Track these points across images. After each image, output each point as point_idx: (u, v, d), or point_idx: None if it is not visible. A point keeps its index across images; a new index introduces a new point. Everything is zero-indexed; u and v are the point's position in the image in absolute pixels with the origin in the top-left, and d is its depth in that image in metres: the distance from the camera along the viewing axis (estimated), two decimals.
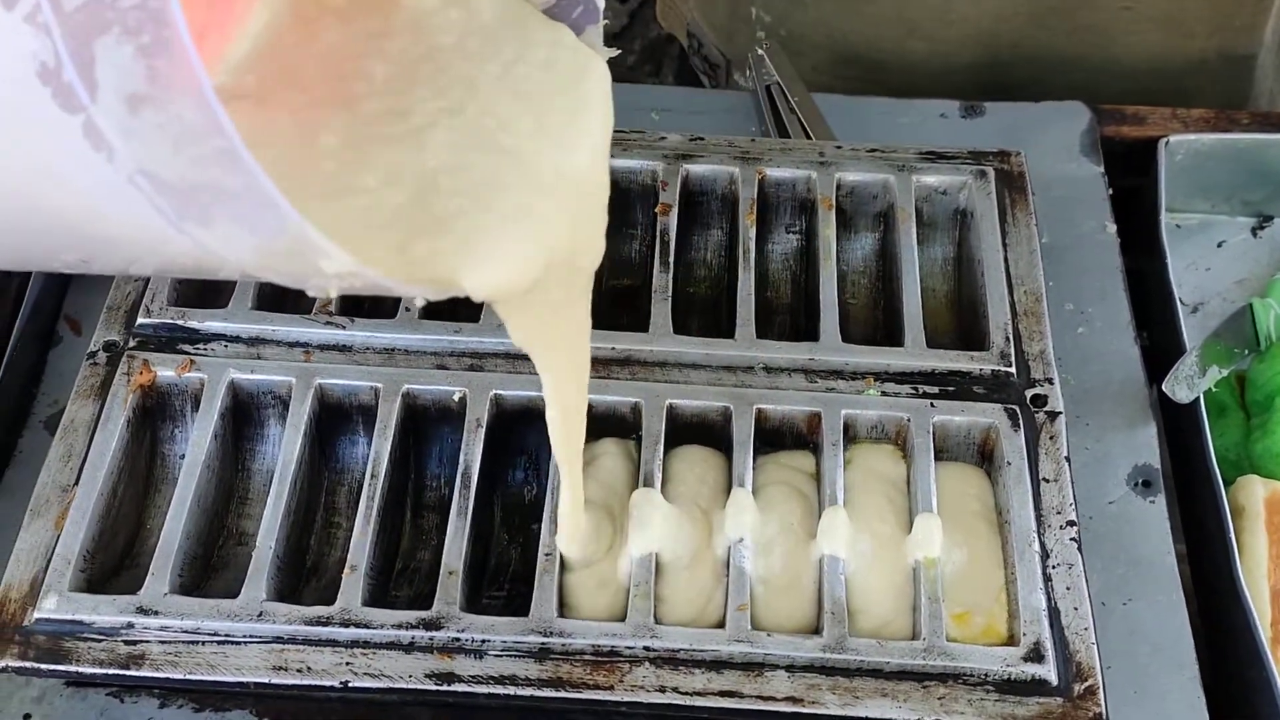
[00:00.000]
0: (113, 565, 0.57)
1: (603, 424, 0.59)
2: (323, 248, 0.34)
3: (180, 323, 0.60)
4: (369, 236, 0.39)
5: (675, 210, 0.65)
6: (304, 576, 0.58)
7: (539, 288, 0.43)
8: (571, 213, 0.44)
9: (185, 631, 0.52)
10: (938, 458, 0.57)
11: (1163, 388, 0.63)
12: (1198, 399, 0.63)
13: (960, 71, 0.86)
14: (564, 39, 0.46)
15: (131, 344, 0.60)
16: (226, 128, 0.31)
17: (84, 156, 0.32)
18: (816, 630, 0.53)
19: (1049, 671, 0.51)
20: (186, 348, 0.60)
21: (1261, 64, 0.87)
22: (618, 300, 0.67)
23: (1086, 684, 0.51)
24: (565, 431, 0.50)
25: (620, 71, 0.48)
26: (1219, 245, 0.77)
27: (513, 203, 0.42)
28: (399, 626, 0.52)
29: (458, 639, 0.52)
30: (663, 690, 0.51)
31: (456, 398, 0.59)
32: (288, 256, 0.35)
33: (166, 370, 0.59)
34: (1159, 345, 0.69)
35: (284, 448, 0.57)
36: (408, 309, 0.61)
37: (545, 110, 0.44)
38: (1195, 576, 0.63)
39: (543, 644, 0.52)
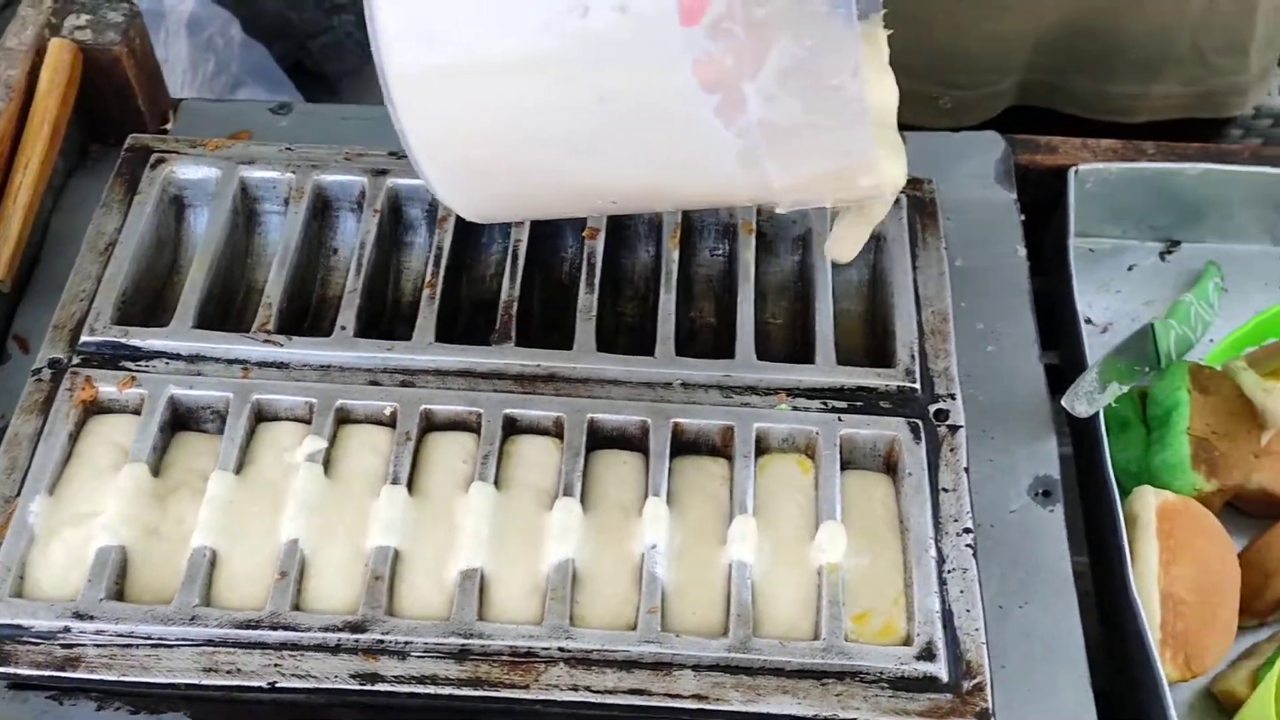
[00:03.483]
0: None
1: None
2: (873, 165, 0.46)
3: (123, 340, 0.63)
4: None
5: (602, 234, 0.68)
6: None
7: None
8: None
9: (120, 635, 0.55)
10: (846, 468, 0.61)
11: (1062, 403, 0.66)
12: (1098, 414, 0.66)
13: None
14: None
15: (76, 361, 0.63)
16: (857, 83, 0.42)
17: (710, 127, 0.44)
18: (724, 632, 0.56)
19: (940, 669, 0.54)
20: (129, 365, 0.63)
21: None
22: (549, 323, 0.70)
23: (975, 681, 0.54)
24: None
25: None
26: (1129, 269, 0.81)
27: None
28: (325, 629, 0.55)
29: (381, 641, 0.55)
30: (575, 689, 0.54)
31: (388, 412, 0.61)
32: (823, 178, 0.46)
33: (108, 386, 0.62)
34: (1066, 363, 0.73)
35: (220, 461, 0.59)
36: (343, 328, 0.64)
37: None
38: (1097, 584, 0.66)
39: (463, 645, 0.55)
